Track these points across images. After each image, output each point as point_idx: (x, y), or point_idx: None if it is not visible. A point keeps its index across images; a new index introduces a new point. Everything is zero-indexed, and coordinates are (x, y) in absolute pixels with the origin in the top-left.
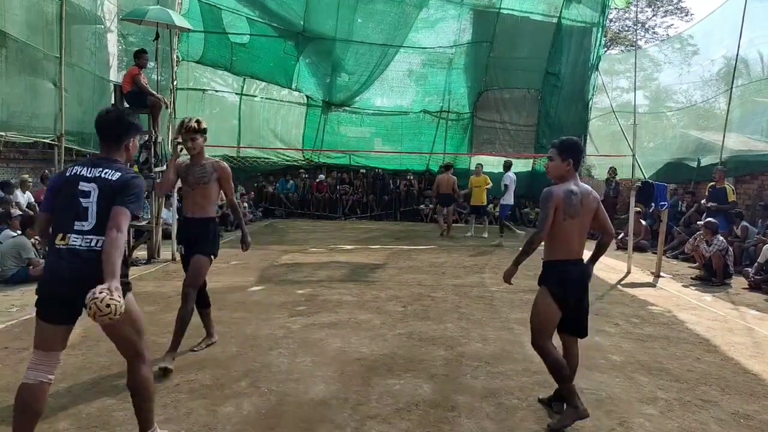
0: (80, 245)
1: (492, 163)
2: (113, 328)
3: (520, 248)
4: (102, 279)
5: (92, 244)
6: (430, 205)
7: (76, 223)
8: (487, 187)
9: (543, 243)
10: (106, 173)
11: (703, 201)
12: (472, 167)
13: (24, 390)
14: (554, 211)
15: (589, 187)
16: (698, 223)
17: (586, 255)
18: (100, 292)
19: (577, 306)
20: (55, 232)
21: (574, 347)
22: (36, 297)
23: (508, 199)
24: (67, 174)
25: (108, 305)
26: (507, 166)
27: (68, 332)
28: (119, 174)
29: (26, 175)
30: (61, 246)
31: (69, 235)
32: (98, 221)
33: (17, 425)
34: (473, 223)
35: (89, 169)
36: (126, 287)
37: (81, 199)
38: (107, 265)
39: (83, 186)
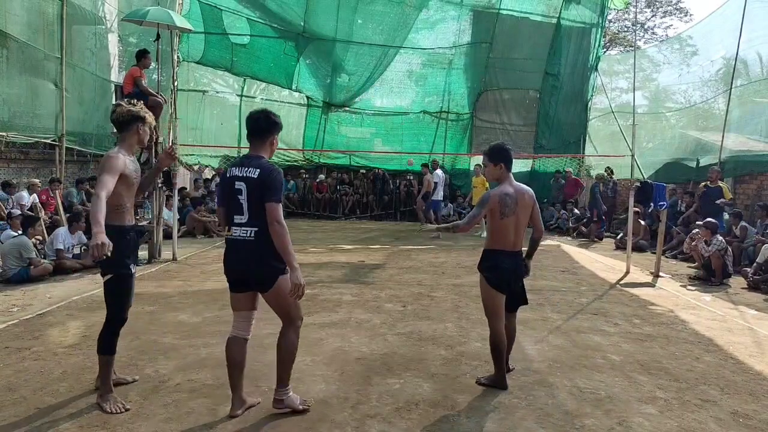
0: (239, 235)
1: None
2: (273, 299)
3: (448, 225)
4: (258, 264)
5: (247, 234)
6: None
7: (235, 217)
8: (486, 187)
9: (486, 235)
10: (249, 171)
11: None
12: (473, 168)
13: (229, 343)
14: (490, 212)
15: (526, 187)
16: (697, 222)
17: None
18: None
19: (514, 288)
20: (226, 225)
21: (511, 319)
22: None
23: (437, 195)
24: (227, 175)
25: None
26: (435, 165)
27: (248, 298)
28: (258, 170)
29: (36, 179)
30: (228, 236)
31: (232, 227)
32: (250, 214)
33: (230, 373)
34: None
35: (239, 168)
36: (282, 271)
37: (237, 197)
38: (284, 255)
39: (237, 185)
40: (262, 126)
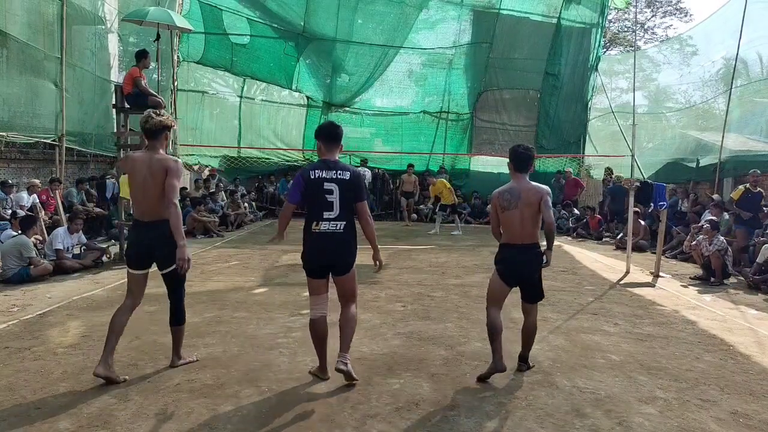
0: (328, 228)
1: (492, 163)
2: (347, 282)
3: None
4: (344, 253)
5: (337, 227)
6: (430, 205)
7: (324, 213)
8: (447, 187)
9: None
10: (340, 174)
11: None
12: (473, 167)
13: (314, 323)
14: (494, 209)
15: (535, 184)
16: (704, 226)
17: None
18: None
19: (527, 280)
20: (311, 220)
21: (530, 310)
22: (303, 262)
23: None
24: (312, 177)
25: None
26: (363, 162)
27: (327, 283)
28: (349, 173)
29: (36, 180)
30: (315, 230)
31: (320, 222)
32: (341, 211)
33: (316, 347)
34: (439, 221)
35: (326, 171)
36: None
37: (326, 196)
38: (374, 242)
39: (327, 186)
40: (339, 134)
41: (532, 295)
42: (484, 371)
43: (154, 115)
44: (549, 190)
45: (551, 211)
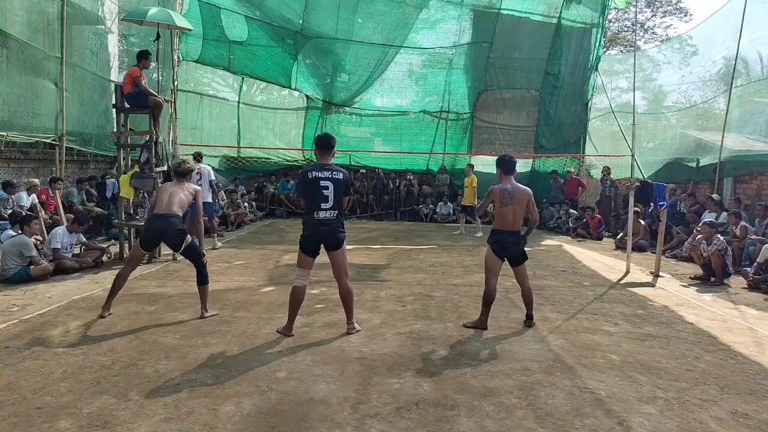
0: (325, 216)
1: (493, 163)
2: (339, 256)
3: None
4: (337, 233)
5: (330, 215)
6: (431, 205)
7: (321, 204)
8: (474, 186)
9: (494, 218)
10: (334, 173)
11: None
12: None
13: (295, 290)
14: (492, 201)
15: (523, 186)
16: (705, 224)
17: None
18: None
19: (513, 254)
20: (311, 210)
21: (523, 279)
22: (302, 242)
23: (207, 195)
24: (310, 176)
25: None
26: (197, 157)
27: (313, 262)
28: (341, 174)
29: (36, 179)
30: (315, 218)
31: (318, 211)
32: (334, 202)
33: (292, 308)
34: (462, 222)
35: (321, 172)
36: (344, 238)
37: (323, 191)
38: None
39: (323, 183)
40: (332, 143)
41: (519, 259)
42: (470, 322)
43: (185, 162)
44: (531, 191)
45: (536, 209)
